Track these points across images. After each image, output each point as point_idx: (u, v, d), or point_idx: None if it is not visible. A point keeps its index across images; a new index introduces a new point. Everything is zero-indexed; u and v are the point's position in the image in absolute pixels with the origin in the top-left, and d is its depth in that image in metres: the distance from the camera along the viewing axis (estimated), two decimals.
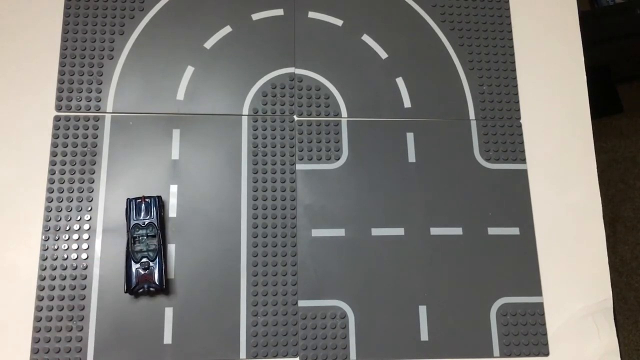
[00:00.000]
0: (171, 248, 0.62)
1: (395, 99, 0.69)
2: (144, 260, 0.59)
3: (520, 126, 0.69)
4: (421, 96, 0.69)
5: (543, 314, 0.63)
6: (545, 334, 0.62)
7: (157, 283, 0.59)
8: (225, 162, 0.65)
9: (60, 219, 0.62)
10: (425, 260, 0.63)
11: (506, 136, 0.69)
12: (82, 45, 0.67)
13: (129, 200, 0.61)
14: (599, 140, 0.69)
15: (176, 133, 0.66)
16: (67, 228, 0.62)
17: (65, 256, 0.61)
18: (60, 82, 0.66)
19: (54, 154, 0.64)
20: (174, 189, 0.64)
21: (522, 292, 0.63)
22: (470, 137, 0.68)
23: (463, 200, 0.66)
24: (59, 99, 0.66)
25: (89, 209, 0.62)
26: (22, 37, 0.67)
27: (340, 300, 0.62)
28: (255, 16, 0.70)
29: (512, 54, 0.72)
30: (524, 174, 0.68)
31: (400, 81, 0.70)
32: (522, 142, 0.69)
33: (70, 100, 0.66)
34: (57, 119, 0.65)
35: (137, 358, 0.59)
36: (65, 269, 0.60)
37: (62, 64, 0.67)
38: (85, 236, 0.62)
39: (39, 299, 0.59)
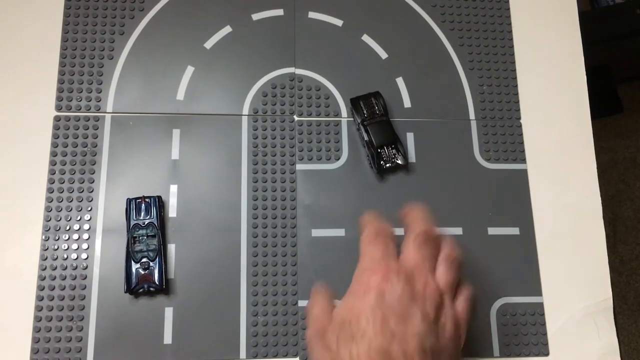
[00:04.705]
0: (171, 248, 0.62)
1: (395, 99, 0.69)
2: (144, 260, 0.59)
3: (520, 126, 0.69)
4: (421, 96, 0.69)
5: (543, 314, 0.63)
6: (545, 334, 0.62)
7: (157, 283, 0.59)
8: (225, 162, 0.65)
9: (60, 219, 0.62)
10: None
11: (506, 136, 0.69)
12: (82, 45, 0.67)
13: (129, 200, 0.61)
14: (599, 140, 0.69)
15: (176, 133, 0.65)
16: (67, 228, 0.62)
17: (65, 256, 0.61)
18: (60, 82, 0.66)
19: (54, 154, 0.64)
20: (174, 189, 0.64)
21: (522, 292, 0.63)
22: (470, 137, 0.68)
23: (463, 200, 0.66)
24: (59, 99, 0.66)
25: (89, 209, 0.62)
26: (22, 37, 0.67)
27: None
28: (255, 16, 0.70)
29: (512, 54, 0.72)
30: (524, 174, 0.68)
31: (400, 81, 0.70)
32: (522, 142, 0.69)
33: (70, 100, 0.66)
34: (57, 119, 0.65)
35: (137, 358, 0.59)
36: (65, 269, 0.60)
37: (62, 64, 0.67)
38: (85, 236, 0.62)
39: (39, 299, 0.59)
